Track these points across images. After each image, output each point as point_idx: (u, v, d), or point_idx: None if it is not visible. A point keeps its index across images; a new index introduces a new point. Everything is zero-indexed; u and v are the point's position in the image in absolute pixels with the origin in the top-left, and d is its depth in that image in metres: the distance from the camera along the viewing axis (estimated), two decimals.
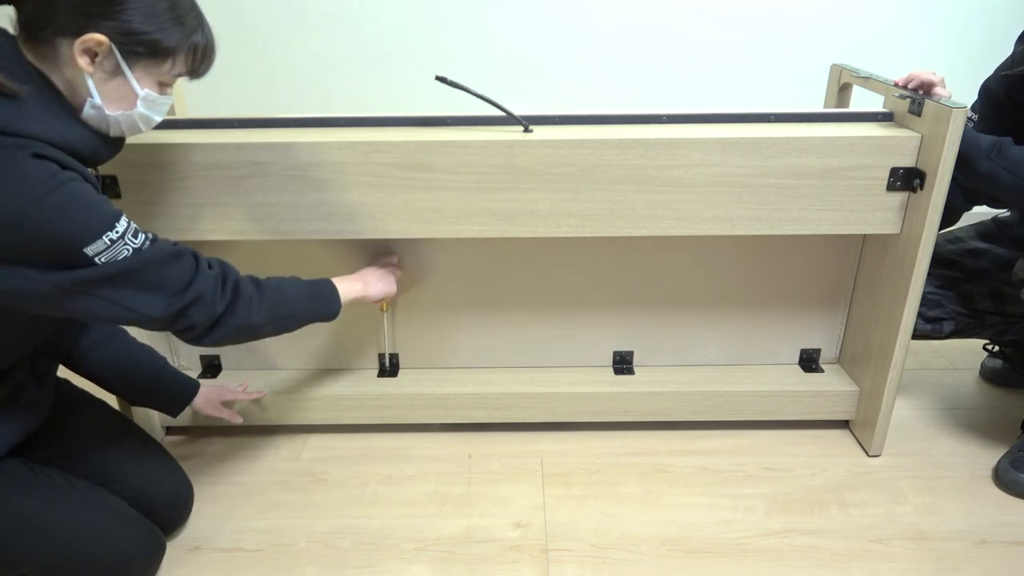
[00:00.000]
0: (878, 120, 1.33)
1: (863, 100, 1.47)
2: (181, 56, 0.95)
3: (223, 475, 1.42)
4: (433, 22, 2.27)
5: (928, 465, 1.44)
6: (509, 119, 1.28)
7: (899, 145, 1.23)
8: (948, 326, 1.52)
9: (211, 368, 1.56)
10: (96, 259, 0.88)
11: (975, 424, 1.56)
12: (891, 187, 1.26)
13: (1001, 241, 1.49)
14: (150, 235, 0.95)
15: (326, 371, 1.56)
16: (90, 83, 0.91)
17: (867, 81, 1.45)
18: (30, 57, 0.89)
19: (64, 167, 0.88)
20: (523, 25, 2.27)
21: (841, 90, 1.59)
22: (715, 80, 2.38)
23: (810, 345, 1.58)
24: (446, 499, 1.36)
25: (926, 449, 1.49)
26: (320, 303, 1.19)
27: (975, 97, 1.42)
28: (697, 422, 1.55)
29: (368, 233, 1.29)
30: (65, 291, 0.88)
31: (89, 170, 0.94)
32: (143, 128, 1.00)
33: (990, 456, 1.46)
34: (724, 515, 1.32)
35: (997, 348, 1.71)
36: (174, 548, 1.25)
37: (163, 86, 0.98)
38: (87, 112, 0.93)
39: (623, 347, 1.57)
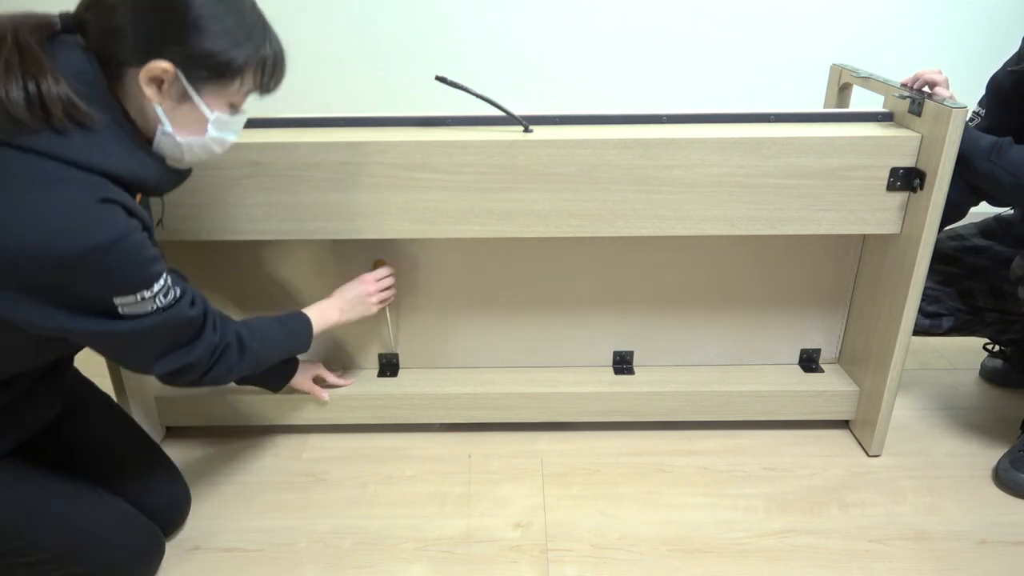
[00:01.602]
0: (878, 120, 1.33)
1: (863, 100, 1.47)
2: (249, 73, 0.91)
3: (223, 475, 1.42)
4: (433, 22, 2.27)
5: (928, 465, 1.44)
6: (509, 119, 1.28)
7: (899, 145, 1.23)
8: (947, 322, 1.52)
9: None
10: (120, 309, 0.88)
11: (975, 424, 1.56)
12: (891, 187, 1.26)
13: (1003, 239, 1.49)
14: (178, 291, 0.94)
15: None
16: (159, 111, 0.89)
17: (867, 81, 1.45)
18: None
19: (130, 214, 0.87)
20: (523, 25, 2.27)
21: (841, 90, 1.59)
22: (715, 80, 2.38)
23: (810, 345, 1.58)
24: (446, 499, 1.36)
25: (926, 449, 1.49)
26: (293, 344, 1.24)
27: (975, 97, 1.42)
28: (697, 422, 1.55)
29: (368, 233, 1.29)
30: (85, 336, 0.90)
31: (147, 204, 0.96)
32: (218, 151, 0.98)
33: (990, 456, 1.46)
34: (724, 515, 1.32)
35: (997, 348, 1.71)
36: (174, 548, 1.25)
37: (234, 106, 0.95)
38: (159, 139, 0.92)
39: (623, 347, 1.57)
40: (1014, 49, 1.36)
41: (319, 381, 1.48)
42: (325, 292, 1.44)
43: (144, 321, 0.90)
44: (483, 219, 1.28)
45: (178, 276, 1.00)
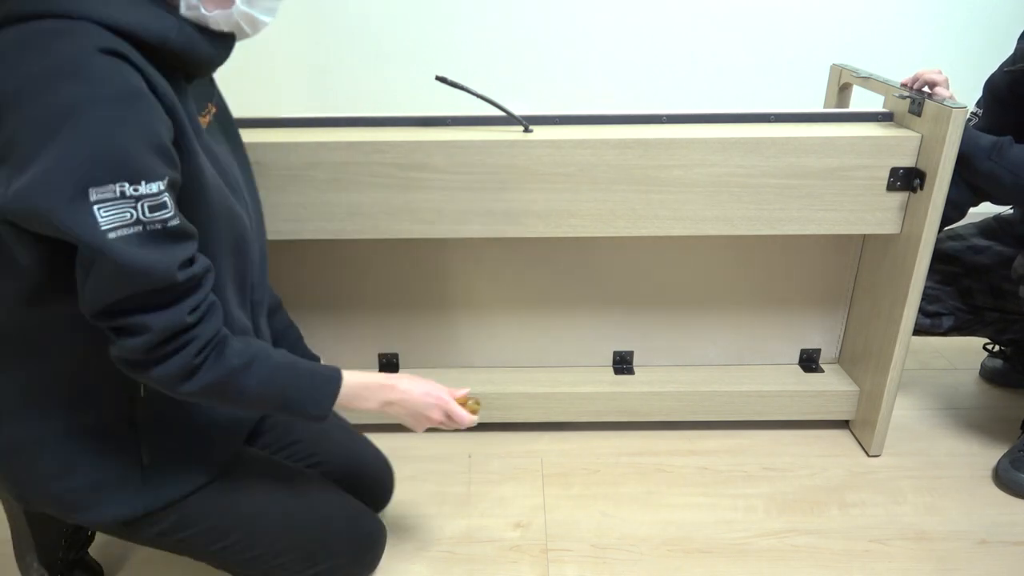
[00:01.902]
0: (878, 120, 1.33)
1: (863, 100, 1.47)
2: None
3: None
4: (433, 22, 2.27)
5: (928, 465, 1.44)
6: (509, 119, 1.28)
7: (899, 145, 1.23)
8: (947, 321, 1.52)
9: None
10: (93, 199, 0.70)
11: (975, 424, 1.56)
12: (891, 187, 1.26)
13: (1003, 238, 1.49)
14: (174, 219, 0.75)
15: None
16: None
17: (867, 81, 1.45)
18: None
19: (148, 82, 0.73)
20: (523, 25, 2.27)
21: (841, 90, 1.59)
22: (715, 80, 2.38)
23: (810, 345, 1.58)
24: (446, 499, 1.36)
25: (926, 449, 1.49)
26: (295, 392, 0.90)
27: (975, 97, 1.42)
28: (697, 422, 1.55)
29: (368, 233, 1.29)
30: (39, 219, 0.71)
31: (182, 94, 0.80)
32: (249, 32, 0.84)
33: (990, 456, 1.46)
34: (724, 515, 1.32)
35: (997, 348, 1.71)
36: None
37: None
38: (184, 13, 0.78)
39: (623, 347, 1.57)
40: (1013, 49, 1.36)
41: None
42: (325, 291, 1.44)
43: (101, 235, 0.70)
44: (483, 219, 1.28)
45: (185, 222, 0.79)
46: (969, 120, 1.37)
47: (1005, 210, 1.53)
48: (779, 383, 1.52)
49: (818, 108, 1.51)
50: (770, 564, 1.22)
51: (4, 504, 1.10)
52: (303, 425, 1.16)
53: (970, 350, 1.81)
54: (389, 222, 1.28)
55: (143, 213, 0.72)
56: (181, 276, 0.76)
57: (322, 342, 1.54)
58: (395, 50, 2.30)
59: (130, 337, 0.77)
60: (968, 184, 1.31)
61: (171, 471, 0.93)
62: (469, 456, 1.47)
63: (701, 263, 1.49)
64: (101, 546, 1.21)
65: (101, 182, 0.69)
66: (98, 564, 1.19)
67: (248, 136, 1.24)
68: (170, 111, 0.76)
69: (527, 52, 2.31)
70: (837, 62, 1.61)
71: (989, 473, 1.42)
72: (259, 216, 1.03)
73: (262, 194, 1.25)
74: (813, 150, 1.23)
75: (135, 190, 0.71)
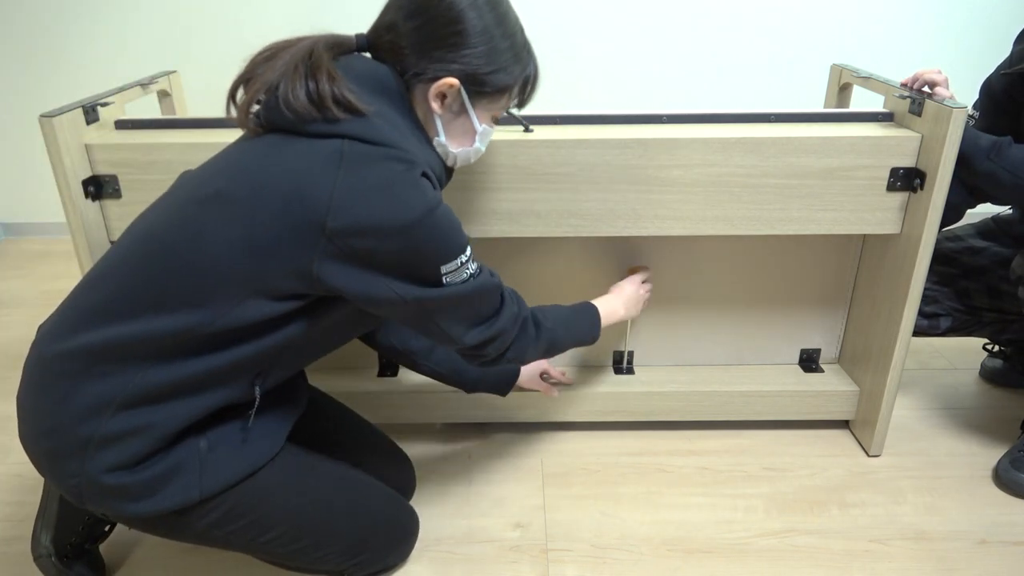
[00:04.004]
0: (878, 120, 1.33)
1: (863, 100, 1.47)
2: (515, 89, 0.99)
3: None
4: None
5: (928, 465, 1.44)
6: (509, 119, 1.28)
7: (899, 145, 1.23)
8: (945, 322, 1.52)
9: None
10: (444, 279, 0.92)
11: (975, 424, 1.56)
12: (891, 187, 1.26)
13: (1001, 239, 1.49)
14: (480, 265, 0.98)
15: (326, 370, 1.56)
16: (438, 122, 0.96)
17: (867, 81, 1.45)
18: None
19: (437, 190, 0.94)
20: (523, 25, 2.27)
21: (841, 90, 1.59)
22: (715, 80, 2.38)
23: (810, 345, 1.58)
24: (446, 499, 1.36)
25: (926, 449, 1.49)
26: (583, 330, 1.22)
27: (975, 97, 1.42)
28: (697, 422, 1.55)
29: None
30: (413, 304, 0.92)
31: None
32: (473, 160, 1.04)
33: (990, 456, 1.46)
34: (724, 515, 1.32)
35: (997, 348, 1.71)
36: (173, 548, 1.25)
37: (495, 119, 1.03)
38: (436, 147, 0.99)
39: (623, 347, 1.57)
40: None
41: (544, 377, 1.48)
42: None
43: (462, 287, 0.94)
44: (483, 219, 1.28)
45: None
46: (966, 122, 1.37)
47: (1003, 211, 1.53)
48: (779, 383, 1.52)
49: (818, 108, 1.51)
50: (770, 564, 1.22)
51: (46, 486, 1.12)
52: (334, 421, 1.27)
53: (970, 350, 1.81)
54: None
55: (469, 269, 0.95)
56: (498, 297, 1.02)
57: None
58: None
59: (492, 344, 1.02)
60: (966, 185, 1.31)
61: (225, 459, 0.96)
62: (469, 456, 1.47)
63: (701, 263, 1.49)
64: (104, 545, 1.21)
65: (448, 262, 0.92)
66: (103, 560, 1.19)
67: None
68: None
69: None
70: (837, 62, 1.61)
71: (989, 473, 1.42)
72: None
73: None
74: (813, 150, 1.23)
75: (463, 259, 0.94)
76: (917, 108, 1.25)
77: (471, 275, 0.95)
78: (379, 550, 1.15)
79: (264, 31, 2.30)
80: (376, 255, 0.88)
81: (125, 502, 0.91)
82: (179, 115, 1.60)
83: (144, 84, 1.47)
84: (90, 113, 1.25)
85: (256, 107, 0.92)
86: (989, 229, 1.52)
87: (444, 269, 0.92)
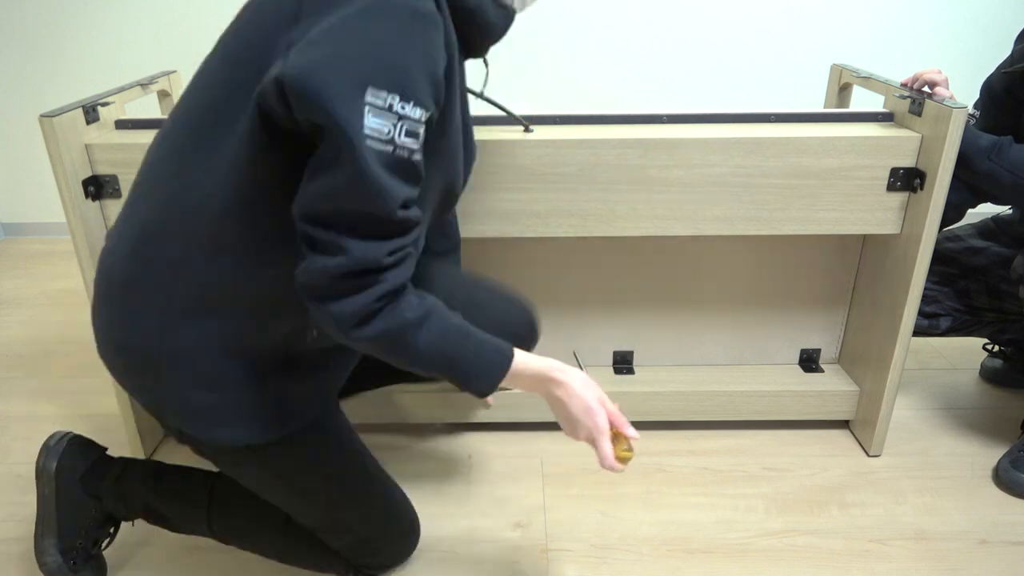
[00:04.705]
0: (878, 120, 1.33)
1: (863, 100, 1.47)
2: None
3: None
4: None
5: (928, 465, 1.44)
6: (509, 119, 1.28)
7: (899, 145, 1.23)
8: (945, 322, 1.52)
9: None
10: (366, 101, 0.70)
11: (975, 424, 1.56)
12: (891, 187, 1.26)
13: (1001, 239, 1.49)
14: (417, 154, 0.75)
15: None
16: None
17: (867, 81, 1.45)
18: None
19: (438, 6, 0.77)
20: (523, 25, 2.27)
21: (841, 90, 1.59)
22: (715, 80, 2.38)
23: (810, 345, 1.58)
24: (446, 499, 1.36)
25: (926, 449, 1.49)
26: (468, 364, 0.86)
27: (975, 97, 1.42)
28: (697, 422, 1.55)
29: None
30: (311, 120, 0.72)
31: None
32: (528, 5, 0.90)
33: (990, 456, 1.46)
34: (724, 515, 1.32)
35: (997, 348, 1.71)
36: (174, 548, 1.25)
37: None
38: None
39: (623, 347, 1.57)
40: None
41: None
42: None
43: (361, 133, 0.70)
44: (483, 219, 1.28)
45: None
46: (967, 121, 1.37)
47: (1003, 211, 1.53)
48: (779, 383, 1.52)
49: (818, 108, 1.51)
50: (770, 564, 1.22)
51: (38, 483, 1.11)
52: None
53: (970, 350, 1.81)
54: None
55: (399, 134, 0.71)
56: (399, 214, 0.75)
57: None
58: None
59: (324, 256, 0.75)
60: (967, 185, 1.31)
61: (295, 405, 0.94)
62: (469, 456, 1.47)
63: (701, 263, 1.49)
64: (109, 548, 1.21)
65: (379, 86, 0.69)
66: (105, 564, 1.19)
67: None
68: (447, 45, 0.77)
69: (527, 52, 2.31)
70: (837, 62, 1.61)
71: (989, 473, 1.42)
72: (469, 170, 1.02)
73: None
74: (813, 150, 1.23)
75: (402, 108, 0.71)
76: (917, 108, 1.25)
77: (395, 145, 0.71)
78: (389, 543, 1.15)
79: None
80: (318, 26, 0.71)
81: (203, 425, 0.90)
82: None
83: (144, 84, 1.47)
84: (90, 113, 1.25)
85: None
86: (989, 229, 1.52)
87: (370, 94, 0.69)
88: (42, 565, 1.11)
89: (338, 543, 1.09)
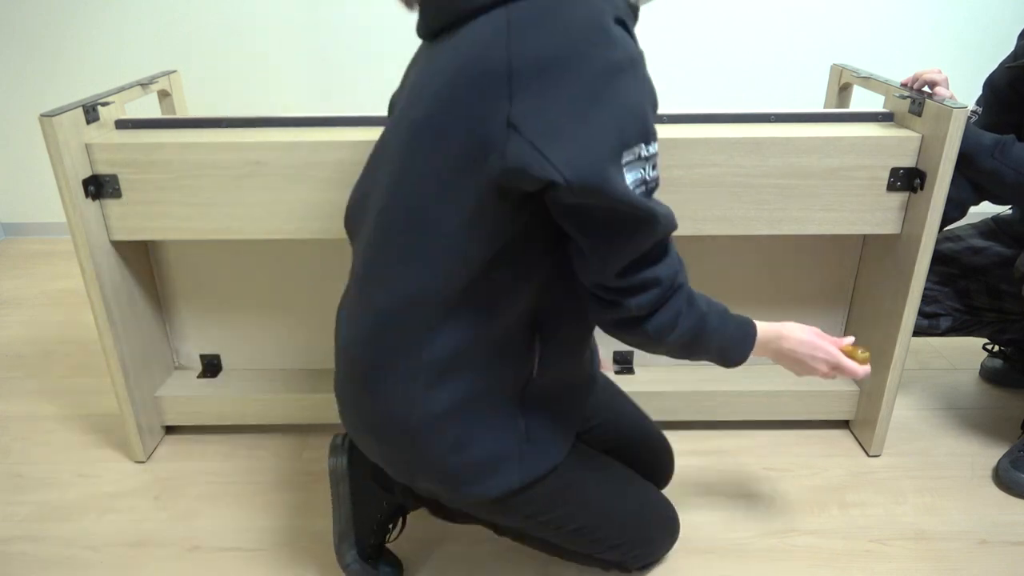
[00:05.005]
0: (878, 120, 1.33)
1: (863, 100, 1.47)
2: None
3: (223, 475, 1.42)
4: None
5: (928, 465, 1.44)
6: None
7: (899, 145, 1.23)
8: (945, 322, 1.52)
9: (211, 368, 1.56)
10: (623, 158, 0.74)
11: (975, 424, 1.56)
12: (891, 187, 1.26)
13: (1001, 239, 1.49)
14: (658, 178, 0.81)
15: (326, 371, 1.56)
16: None
17: (867, 81, 1.45)
18: None
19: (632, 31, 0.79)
20: None
21: (841, 90, 1.59)
22: (715, 80, 2.38)
23: None
24: None
25: (926, 449, 1.49)
26: (732, 342, 0.96)
27: (974, 97, 1.42)
28: (697, 422, 1.55)
29: None
30: (565, 191, 0.74)
31: None
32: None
33: (990, 456, 1.46)
34: (724, 515, 1.32)
35: (997, 348, 1.71)
36: (174, 547, 1.25)
37: None
38: None
39: (623, 347, 1.57)
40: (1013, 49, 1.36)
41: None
42: (327, 290, 1.43)
43: (635, 192, 0.75)
44: None
45: None
46: (969, 118, 1.37)
47: (1003, 211, 1.53)
48: (779, 383, 1.52)
49: (818, 108, 1.51)
50: (770, 564, 1.22)
51: (333, 483, 1.13)
52: (605, 406, 1.19)
53: (970, 350, 1.81)
54: None
55: (648, 172, 0.77)
56: (672, 224, 0.81)
57: (322, 341, 1.54)
58: (395, 50, 2.30)
59: (639, 295, 0.81)
60: (969, 181, 1.31)
61: (542, 445, 0.95)
62: None
63: (701, 263, 1.49)
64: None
65: (630, 145, 0.73)
66: (398, 558, 1.21)
67: (249, 136, 1.25)
68: None
69: None
70: (837, 62, 1.61)
71: (989, 473, 1.42)
72: None
73: (263, 194, 1.26)
74: (813, 150, 1.23)
75: (647, 151, 0.76)
76: (917, 108, 1.25)
77: (647, 180, 0.77)
78: (654, 544, 1.16)
79: (264, 31, 2.31)
80: (553, 105, 0.72)
81: (457, 484, 0.91)
82: (179, 115, 1.60)
83: (144, 84, 1.47)
84: (90, 113, 1.25)
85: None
86: (989, 229, 1.52)
87: (626, 155, 0.74)
88: (345, 567, 1.12)
89: (606, 556, 1.11)
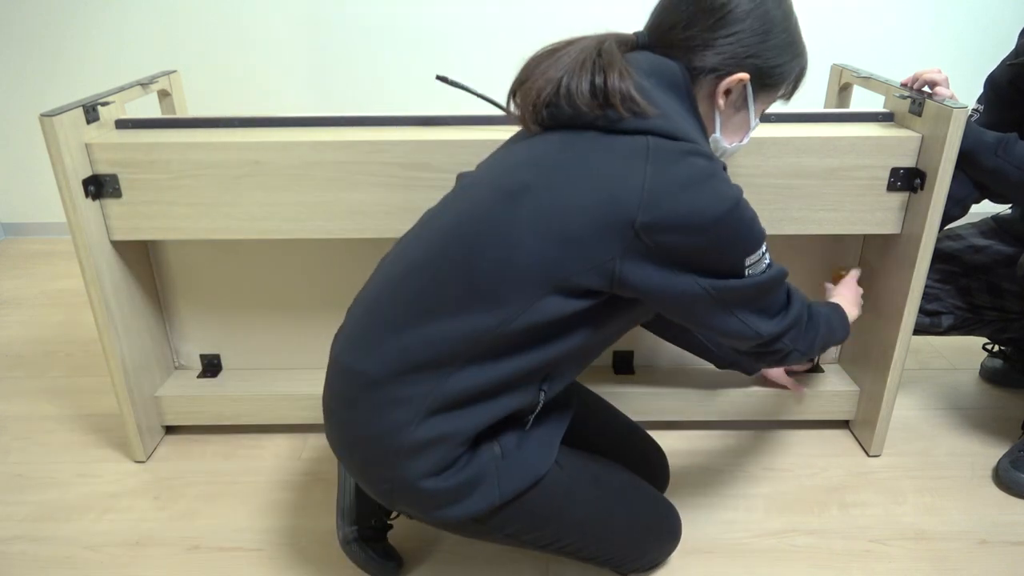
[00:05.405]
0: (879, 120, 1.33)
1: (863, 100, 1.47)
2: (789, 83, 0.96)
3: (223, 475, 1.42)
4: (433, 22, 2.27)
5: (928, 465, 1.44)
6: (510, 119, 1.28)
7: (899, 145, 1.23)
8: (947, 320, 1.52)
9: (211, 368, 1.56)
10: (747, 270, 0.89)
11: (975, 424, 1.56)
12: (891, 187, 1.26)
13: (1002, 238, 1.49)
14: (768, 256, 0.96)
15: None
16: (717, 119, 0.93)
17: (867, 81, 1.45)
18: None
19: None
20: (523, 25, 2.27)
21: (841, 90, 1.59)
22: None
23: None
24: None
25: (926, 449, 1.49)
26: (839, 333, 1.11)
27: (974, 97, 1.42)
28: (697, 422, 1.55)
29: (369, 232, 1.29)
30: (711, 299, 0.89)
31: None
32: (730, 155, 1.01)
33: (990, 456, 1.46)
34: (724, 515, 1.32)
35: (997, 348, 1.71)
36: (174, 547, 1.25)
37: (764, 113, 1.00)
38: (712, 144, 0.96)
39: (623, 347, 1.57)
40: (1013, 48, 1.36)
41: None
42: (327, 290, 1.43)
43: (761, 276, 0.91)
44: None
45: None
46: (970, 116, 1.37)
47: (1004, 210, 1.53)
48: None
49: (818, 108, 1.51)
50: (770, 564, 1.22)
51: (340, 468, 1.15)
52: (593, 417, 1.23)
53: (970, 350, 1.81)
54: (389, 221, 1.28)
55: (766, 257, 0.92)
56: (783, 271, 0.96)
57: (322, 341, 1.54)
58: (395, 50, 2.30)
59: (792, 331, 0.98)
60: (971, 178, 1.31)
61: (517, 465, 0.96)
62: None
63: None
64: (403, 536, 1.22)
65: (752, 253, 0.89)
66: (394, 549, 1.21)
67: (248, 136, 1.25)
68: None
69: (527, 52, 2.31)
70: (837, 62, 1.61)
71: (989, 473, 1.42)
72: None
73: (262, 193, 1.26)
74: (813, 150, 1.23)
75: (762, 254, 0.91)
76: (917, 108, 1.25)
77: (768, 264, 0.92)
78: (651, 550, 1.16)
79: (264, 31, 2.31)
80: (683, 250, 0.85)
81: (433, 507, 0.92)
82: (179, 115, 1.60)
83: (144, 84, 1.47)
84: (90, 112, 1.25)
85: (543, 106, 0.92)
86: (990, 228, 1.52)
87: (748, 261, 0.89)
88: (345, 545, 1.14)
89: (599, 565, 1.12)
